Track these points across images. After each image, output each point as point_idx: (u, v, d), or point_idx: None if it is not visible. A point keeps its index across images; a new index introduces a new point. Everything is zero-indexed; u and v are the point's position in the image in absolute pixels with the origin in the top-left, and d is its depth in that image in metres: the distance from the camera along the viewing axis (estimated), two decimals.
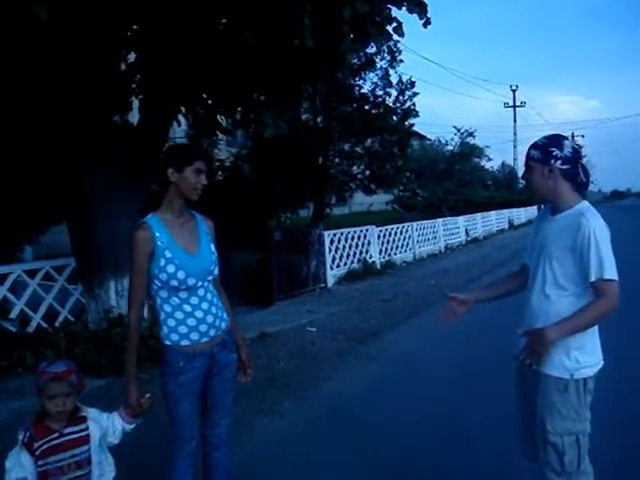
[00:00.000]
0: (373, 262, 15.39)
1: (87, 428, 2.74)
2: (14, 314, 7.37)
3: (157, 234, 2.94)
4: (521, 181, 2.98)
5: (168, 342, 3.00)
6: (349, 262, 14.39)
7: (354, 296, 11.92)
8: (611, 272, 2.69)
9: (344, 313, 10.19)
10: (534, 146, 2.88)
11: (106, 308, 7.09)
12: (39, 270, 7.73)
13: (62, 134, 6.72)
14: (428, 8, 6.73)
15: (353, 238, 14.66)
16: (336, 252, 13.81)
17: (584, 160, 3.18)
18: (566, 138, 2.89)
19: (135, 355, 2.96)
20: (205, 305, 3.04)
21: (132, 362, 2.95)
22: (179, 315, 2.99)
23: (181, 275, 2.93)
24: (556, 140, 2.85)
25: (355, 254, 14.71)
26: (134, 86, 7.33)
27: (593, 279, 2.69)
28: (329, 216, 16.04)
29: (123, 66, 7.35)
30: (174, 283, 2.94)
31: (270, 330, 8.62)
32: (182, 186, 2.98)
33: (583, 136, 77.69)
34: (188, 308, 2.99)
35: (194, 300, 3.01)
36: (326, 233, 13.55)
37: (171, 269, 2.92)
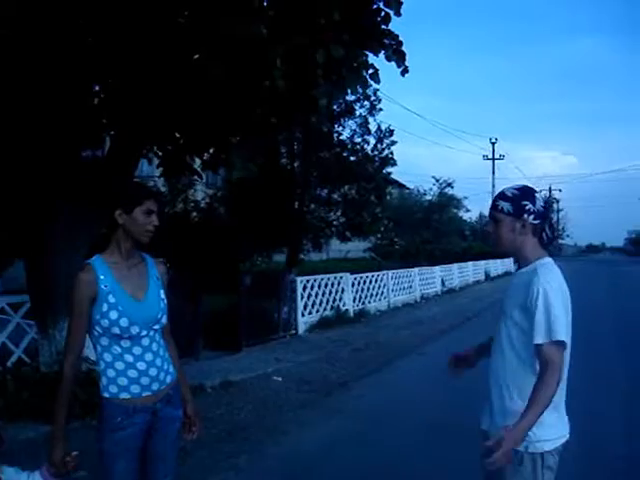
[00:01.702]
0: (346, 310, 15.19)
1: None
2: None
3: (101, 277, 2.74)
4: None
5: (106, 394, 2.77)
6: (322, 309, 14.16)
7: (325, 345, 11.70)
8: (561, 334, 2.47)
9: (313, 362, 9.97)
10: (503, 197, 2.66)
11: (59, 350, 6.74)
12: None
13: (24, 168, 6.48)
14: (407, 57, 6.74)
15: (327, 285, 14.48)
16: (308, 299, 13.58)
17: (560, 214, 3.04)
18: (536, 191, 2.72)
19: (65, 408, 2.71)
20: (149, 356, 2.82)
21: (61, 415, 2.69)
22: (120, 365, 2.76)
23: (124, 322, 2.72)
24: (528, 193, 2.65)
25: (328, 301, 14.49)
26: (105, 122, 7.15)
27: (540, 341, 2.48)
28: (304, 262, 15.85)
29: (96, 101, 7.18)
30: (116, 331, 2.72)
31: (234, 378, 8.39)
32: (131, 228, 2.79)
33: (560, 190, 79.25)
34: (130, 358, 2.77)
35: (137, 350, 2.79)
36: (299, 279, 13.35)
37: (114, 315, 2.71)
